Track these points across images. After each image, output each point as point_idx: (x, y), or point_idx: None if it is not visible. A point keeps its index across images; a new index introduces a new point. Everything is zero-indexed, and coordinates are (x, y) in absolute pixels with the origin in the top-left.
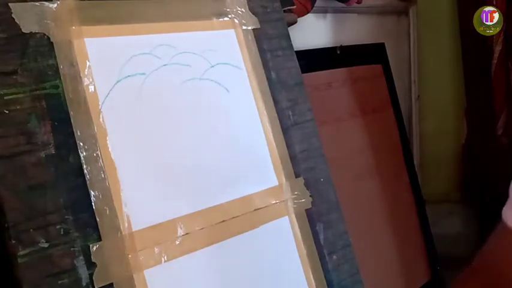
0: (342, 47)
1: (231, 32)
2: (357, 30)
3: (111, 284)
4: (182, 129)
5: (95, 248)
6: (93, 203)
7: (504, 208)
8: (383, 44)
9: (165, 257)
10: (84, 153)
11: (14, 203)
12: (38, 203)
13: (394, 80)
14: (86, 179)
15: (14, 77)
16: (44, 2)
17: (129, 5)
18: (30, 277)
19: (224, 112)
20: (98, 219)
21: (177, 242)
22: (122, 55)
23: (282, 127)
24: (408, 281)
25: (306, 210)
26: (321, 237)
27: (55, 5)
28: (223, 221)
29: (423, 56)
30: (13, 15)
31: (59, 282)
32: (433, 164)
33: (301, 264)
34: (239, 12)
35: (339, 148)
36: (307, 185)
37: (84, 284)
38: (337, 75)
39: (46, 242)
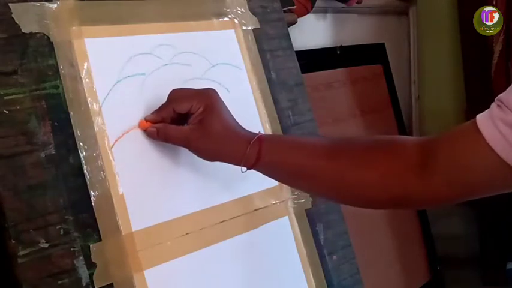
0: (342, 47)
1: (231, 32)
2: (357, 31)
3: (111, 284)
4: None
5: (95, 248)
6: (93, 203)
7: (481, 119)
8: (383, 44)
9: (165, 257)
10: (84, 153)
11: (14, 203)
12: (38, 203)
13: (394, 80)
14: (86, 179)
15: (14, 77)
16: (44, 2)
17: (129, 5)
18: (30, 277)
19: None
20: (98, 219)
21: (177, 242)
22: (122, 55)
23: (282, 127)
24: (408, 281)
25: (306, 210)
26: (321, 237)
27: (55, 5)
28: (224, 221)
29: (423, 56)
30: (13, 16)
31: (59, 282)
32: None
33: (301, 264)
34: (239, 12)
35: None
36: None
37: (84, 284)
38: (337, 75)
39: (46, 242)
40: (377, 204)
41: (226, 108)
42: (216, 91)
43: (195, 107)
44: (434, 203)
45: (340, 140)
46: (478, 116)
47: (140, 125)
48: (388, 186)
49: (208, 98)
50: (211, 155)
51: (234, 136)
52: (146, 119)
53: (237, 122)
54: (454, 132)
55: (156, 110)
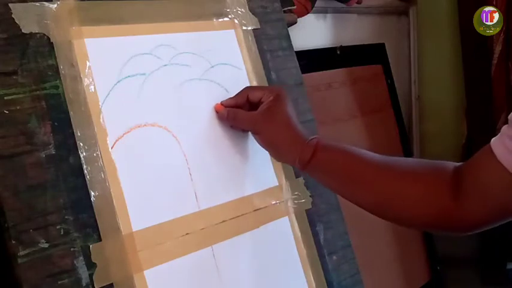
0: (342, 47)
1: (231, 32)
2: (357, 31)
3: (111, 284)
4: (182, 129)
5: (95, 248)
6: (93, 203)
7: (494, 139)
8: (383, 44)
9: (165, 257)
10: (84, 153)
11: (14, 203)
12: (38, 203)
13: (394, 80)
14: (86, 179)
15: (14, 77)
16: (44, 2)
17: (129, 5)
18: (30, 277)
19: None
20: (98, 219)
21: (177, 242)
22: (122, 55)
23: None
24: (408, 281)
25: (306, 210)
26: (321, 237)
27: (55, 5)
28: (224, 221)
29: (423, 56)
30: (13, 16)
31: (59, 282)
32: None
33: (301, 264)
34: (239, 12)
35: None
36: (307, 185)
37: (84, 284)
38: (337, 75)
39: (46, 242)
40: (416, 221)
41: (292, 106)
42: (285, 90)
43: (267, 95)
44: (471, 226)
45: (390, 156)
46: (493, 139)
47: (215, 107)
48: (427, 203)
49: (279, 91)
50: (270, 141)
51: (295, 129)
52: (222, 103)
53: (299, 123)
54: (476, 155)
55: (232, 97)
